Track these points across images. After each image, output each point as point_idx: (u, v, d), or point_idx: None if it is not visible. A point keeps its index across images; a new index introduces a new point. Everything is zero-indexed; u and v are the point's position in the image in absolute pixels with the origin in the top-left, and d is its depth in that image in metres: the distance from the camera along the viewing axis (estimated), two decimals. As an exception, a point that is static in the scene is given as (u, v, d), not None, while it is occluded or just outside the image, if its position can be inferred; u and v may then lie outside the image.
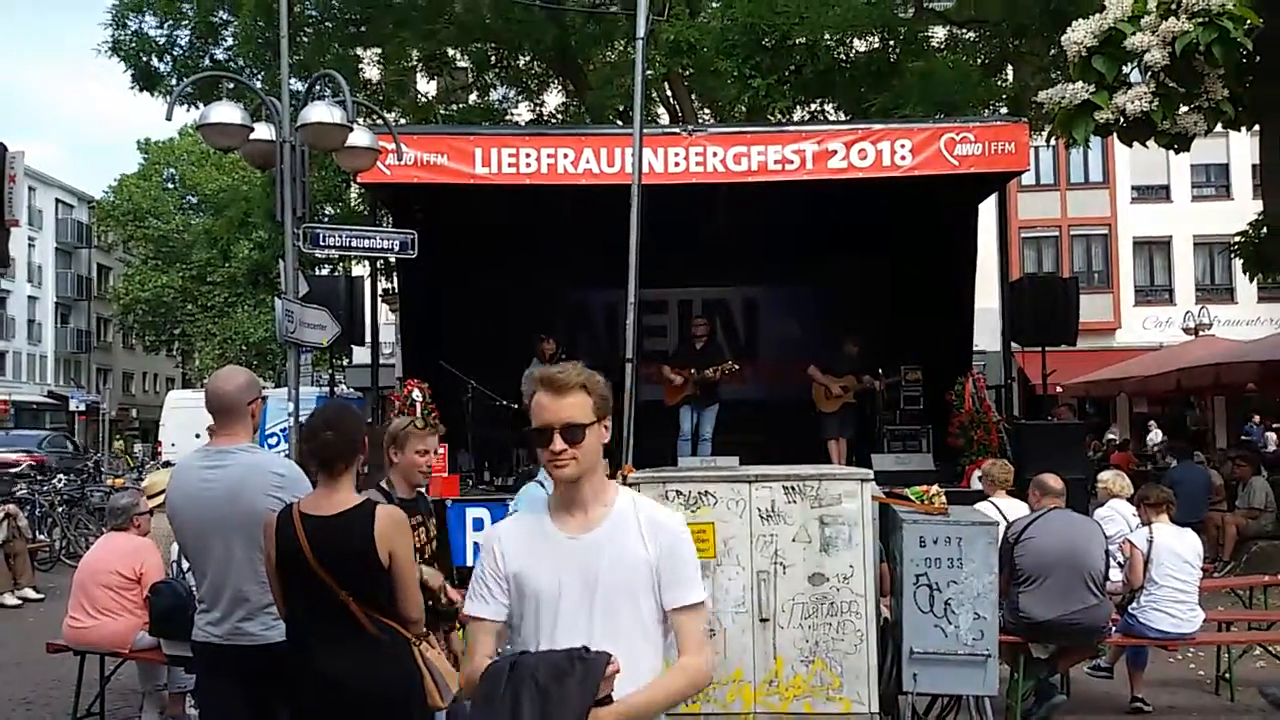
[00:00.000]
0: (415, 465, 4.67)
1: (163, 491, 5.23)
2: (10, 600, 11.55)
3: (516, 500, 6.19)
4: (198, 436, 4.16)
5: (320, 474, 3.54)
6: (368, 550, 3.38)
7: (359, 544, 3.39)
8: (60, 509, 14.77)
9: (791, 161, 10.79)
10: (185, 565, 5.89)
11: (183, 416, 22.44)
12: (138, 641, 6.47)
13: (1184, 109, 7.61)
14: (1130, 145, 8.16)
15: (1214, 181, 31.52)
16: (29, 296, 51.42)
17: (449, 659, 4.08)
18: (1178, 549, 6.96)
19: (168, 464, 16.63)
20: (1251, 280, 15.55)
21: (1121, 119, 7.59)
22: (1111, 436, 23.71)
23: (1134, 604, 6.97)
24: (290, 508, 3.53)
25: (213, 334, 44.96)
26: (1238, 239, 12.67)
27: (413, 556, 3.52)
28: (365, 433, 3.66)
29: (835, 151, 10.80)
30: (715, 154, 10.80)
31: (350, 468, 3.53)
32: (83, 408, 43.64)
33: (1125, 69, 7.74)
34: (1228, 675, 7.30)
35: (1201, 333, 22.87)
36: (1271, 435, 21.66)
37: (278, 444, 12.58)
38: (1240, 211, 16.98)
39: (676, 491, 5.46)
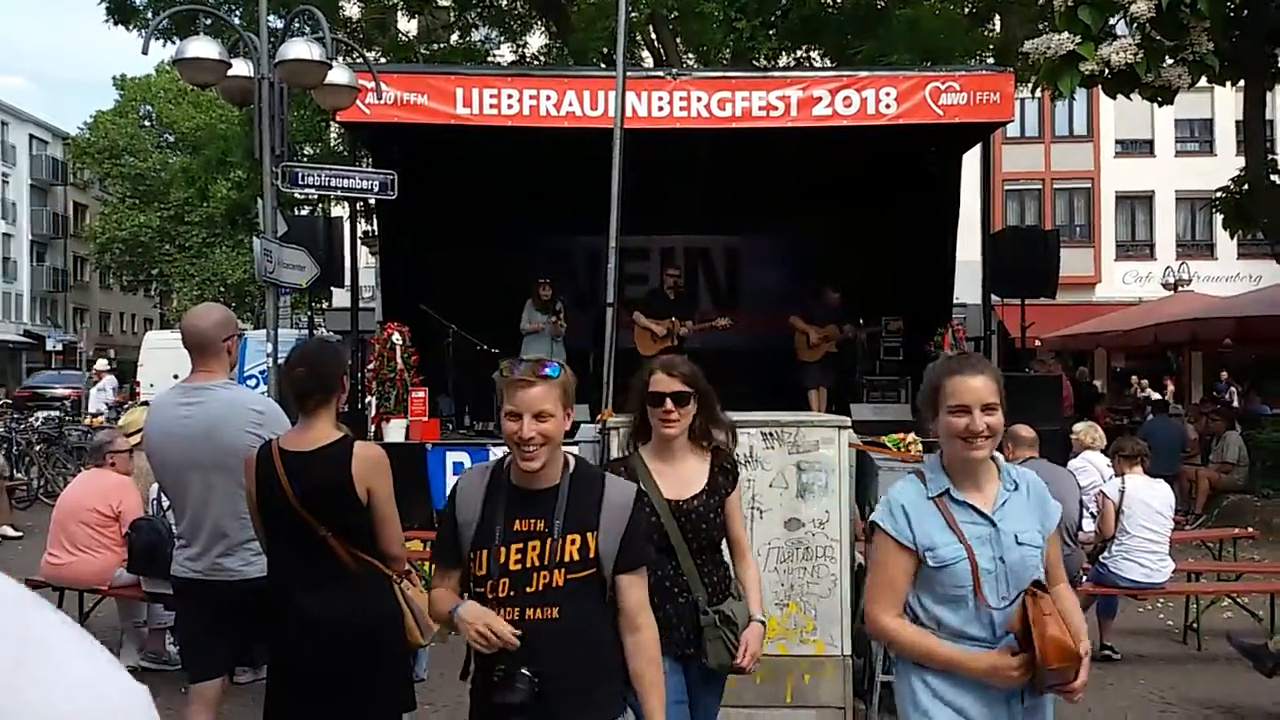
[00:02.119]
0: None
1: (141, 429, 5.22)
2: (-12, 538, 11.55)
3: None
4: (176, 377, 4.16)
5: (297, 410, 3.54)
6: (345, 486, 3.39)
7: (337, 479, 3.39)
8: (38, 447, 14.72)
9: (776, 108, 10.74)
10: (165, 503, 5.90)
11: (161, 357, 22.25)
12: (117, 578, 6.49)
13: (1169, 62, 7.61)
14: (1114, 97, 8.16)
15: (1198, 137, 31.54)
16: (3, 234, 50.83)
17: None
18: (1150, 500, 7.04)
19: (145, 403, 16.59)
20: (1232, 237, 15.60)
21: (1106, 70, 7.59)
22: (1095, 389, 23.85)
23: (1105, 553, 7.06)
24: (270, 444, 3.52)
25: (191, 275, 44.55)
26: (1219, 195, 12.70)
27: (391, 492, 3.52)
28: (343, 369, 3.64)
29: (820, 98, 10.75)
30: (699, 99, 10.73)
31: (326, 404, 3.52)
32: (60, 347, 43.39)
33: (1111, 20, 7.72)
34: (1195, 625, 7.43)
35: (1181, 288, 22.99)
36: (1234, 390, 21.93)
37: (257, 385, 12.53)
38: (1223, 168, 16.97)
39: (655, 436, 5.48)
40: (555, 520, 2.73)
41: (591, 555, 2.74)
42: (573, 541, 2.73)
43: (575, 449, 6.49)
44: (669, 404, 3.42)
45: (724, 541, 3.58)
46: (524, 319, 12.39)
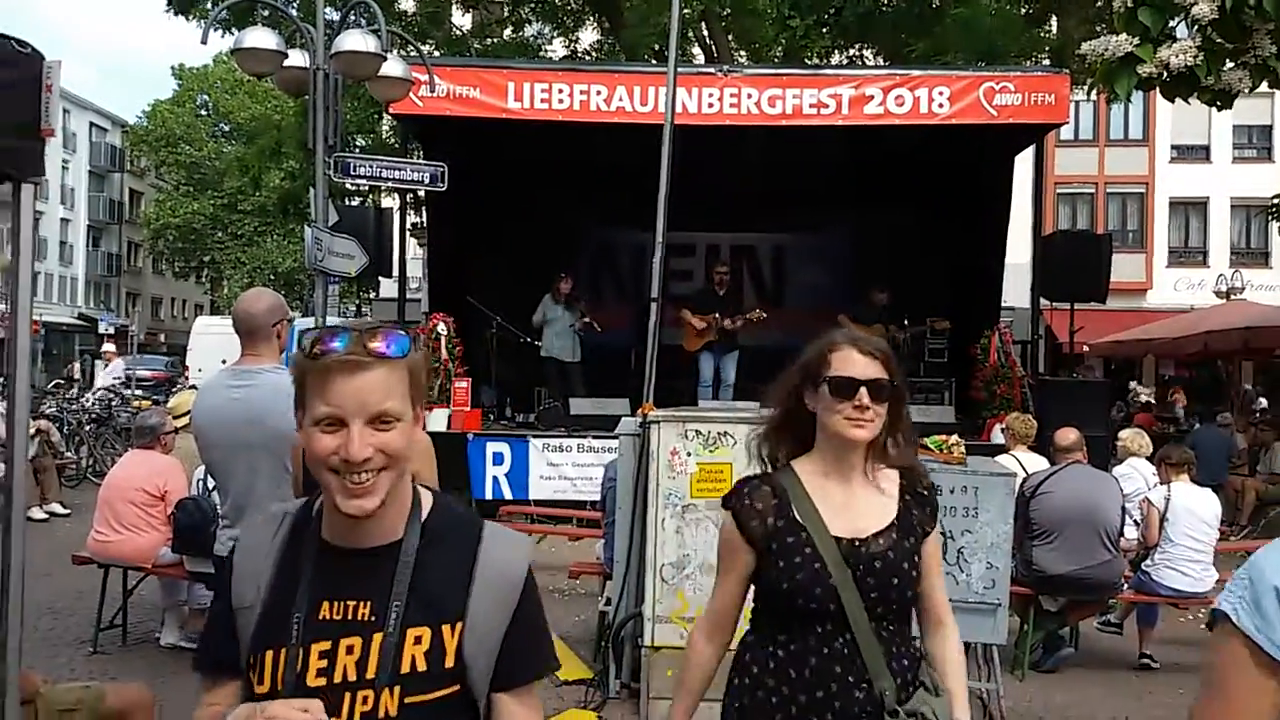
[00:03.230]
0: None
1: (189, 412, 5.31)
2: (38, 514, 11.77)
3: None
4: (224, 362, 4.27)
5: None
6: None
7: None
8: (88, 427, 14.99)
9: (827, 106, 10.71)
10: (210, 485, 6.00)
11: (210, 342, 22.73)
12: (160, 557, 6.61)
13: (1229, 65, 7.48)
14: (1172, 101, 8.02)
15: (1256, 143, 30.98)
16: (61, 219, 51.76)
17: None
18: (1195, 509, 6.95)
19: (193, 387, 16.84)
20: (1288, 245, 15.36)
21: (1165, 73, 7.46)
22: (1146, 397, 23.53)
23: (1148, 561, 6.98)
24: (317, 427, 3.55)
25: (242, 262, 45.18)
26: (1275, 201, 12.48)
27: (435, 478, 3.55)
28: None
29: (872, 97, 10.70)
30: (750, 95, 10.72)
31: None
32: (111, 330, 44.09)
33: (1171, 22, 7.60)
34: (1238, 636, 7.31)
35: (1234, 296, 22.59)
36: (1263, 401, 21.71)
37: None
38: (1281, 174, 16.72)
39: (696, 431, 5.50)
40: (391, 603, 1.67)
41: (450, 663, 1.69)
42: (418, 639, 1.67)
43: (614, 442, 6.51)
44: (864, 395, 2.33)
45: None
46: (539, 312, 12.46)
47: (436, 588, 1.71)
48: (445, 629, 1.69)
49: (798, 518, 2.34)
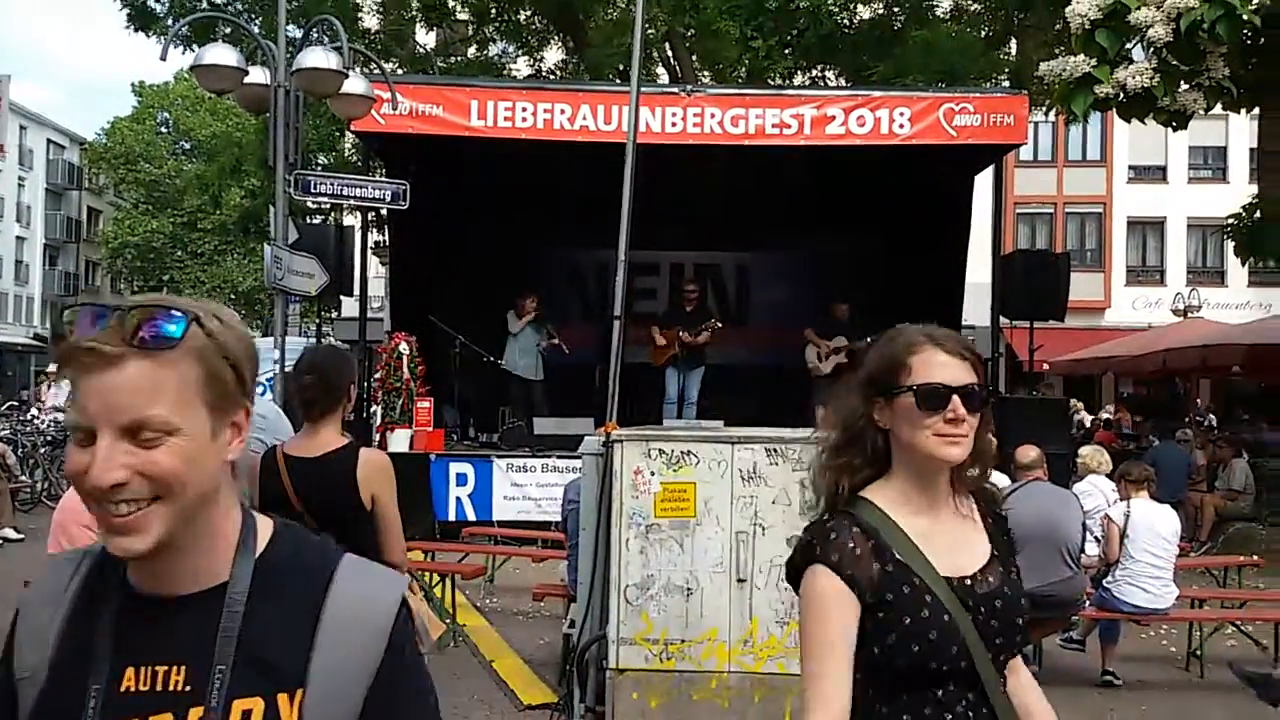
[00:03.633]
0: None
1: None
2: (-9, 539, 11.56)
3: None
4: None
5: (303, 416, 3.54)
6: (350, 491, 3.38)
7: (341, 485, 3.38)
8: (43, 450, 14.74)
9: (789, 126, 10.77)
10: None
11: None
12: (117, 581, 6.48)
13: (1184, 86, 7.61)
14: (1129, 121, 8.15)
15: (1211, 164, 31.51)
16: (17, 237, 51.06)
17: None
18: (1156, 525, 7.01)
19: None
20: (1244, 264, 15.56)
21: (1121, 94, 7.58)
22: (1107, 415, 23.84)
23: (1108, 578, 7.02)
24: (274, 449, 3.52)
25: (202, 282, 44.72)
26: (1231, 221, 12.67)
27: (395, 499, 3.51)
28: (350, 376, 3.64)
29: (834, 117, 10.78)
30: (713, 115, 10.77)
31: (332, 411, 3.51)
32: (68, 351, 43.48)
33: (1128, 44, 7.72)
34: (1199, 652, 7.37)
35: (1191, 315, 22.91)
36: (1213, 417, 22.18)
37: (264, 392, 12.54)
38: (1236, 195, 16.94)
39: (659, 450, 5.47)
40: (214, 667, 1.27)
41: None
42: (247, 714, 1.27)
43: (579, 462, 6.46)
44: (958, 406, 1.90)
45: None
46: (510, 322, 12.46)
47: (271, 645, 1.29)
48: (282, 699, 1.27)
49: (903, 560, 1.88)
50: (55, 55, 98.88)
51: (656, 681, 5.40)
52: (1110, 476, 8.57)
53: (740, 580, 5.38)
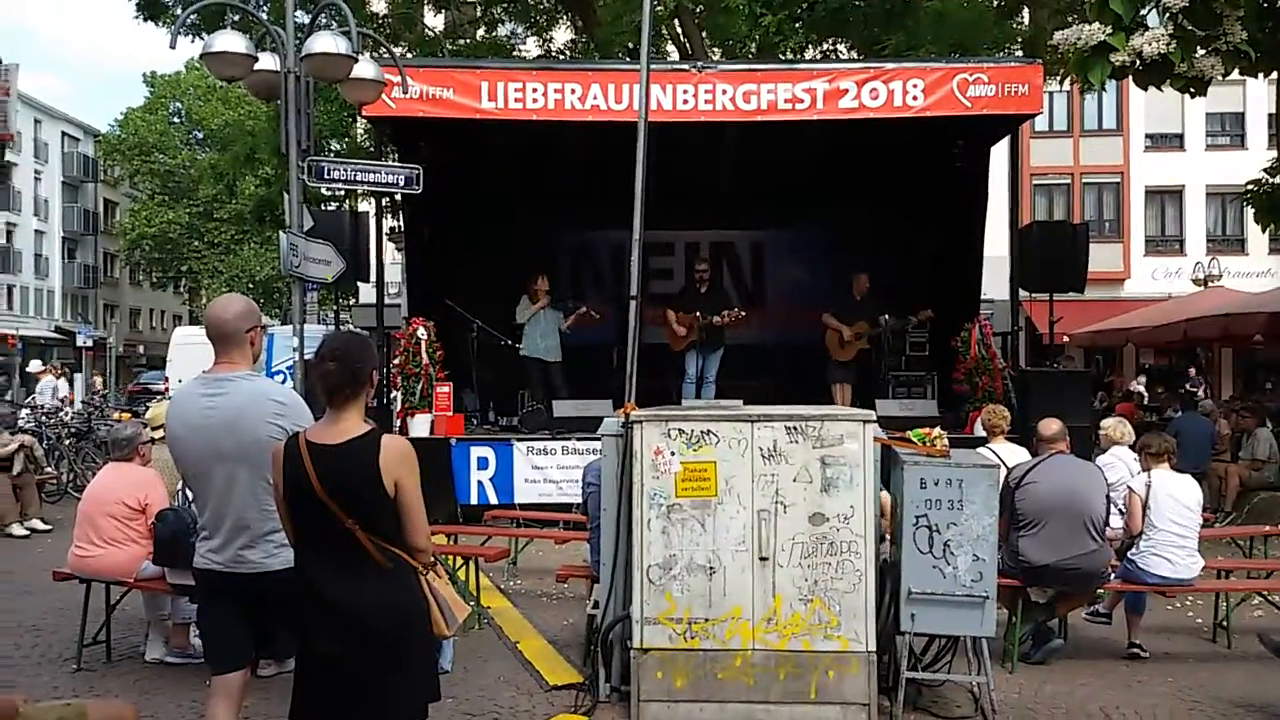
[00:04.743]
0: None
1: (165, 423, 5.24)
2: (18, 531, 11.65)
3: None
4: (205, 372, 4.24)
5: (326, 403, 3.54)
6: (374, 479, 3.38)
7: (365, 472, 3.38)
8: (68, 442, 14.84)
9: (802, 100, 10.69)
10: (190, 495, 5.92)
11: (189, 353, 22.46)
12: (142, 571, 6.52)
13: (1202, 51, 7.49)
14: (1146, 89, 8.03)
15: (1229, 130, 31.17)
16: (35, 230, 51.30)
17: None
18: (1178, 494, 6.95)
19: (164, 398, 16.71)
20: (1264, 230, 15.37)
21: (1138, 61, 7.47)
22: (1138, 389, 23.81)
23: (1133, 549, 6.98)
24: (297, 436, 3.52)
25: (219, 271, 44.91)
26: (1250, 187, 12.53)
27: (419, 485, 3.51)
28: (373, 363, 3.63)
29: (846, 90, 10.70)
30: (725, 92, 10.69)
31: (355, 397, 3.51)
32: (90, 343, 43.77)
33: (1143, 10, 7.61)
34: (1225, 623, 7.33)
35: (1211, 284, 22.72)
36: (1207, 387, 22.34)
37: (285, 380, 12.60)
38: (1255, 161, 16.75)
39: (679, 430, 5.47)
40: None
41: None
42: None
43: (599, 444, 6.45)
44: None
45: None
46: (519, 312, 12.42)
47: None
48: None
49: None
50: (65, 46, 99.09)
51: (681, 660, 5.41)
52: (1133, 448, 8.51)
53: (763, 558, 5.38)
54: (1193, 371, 24.68)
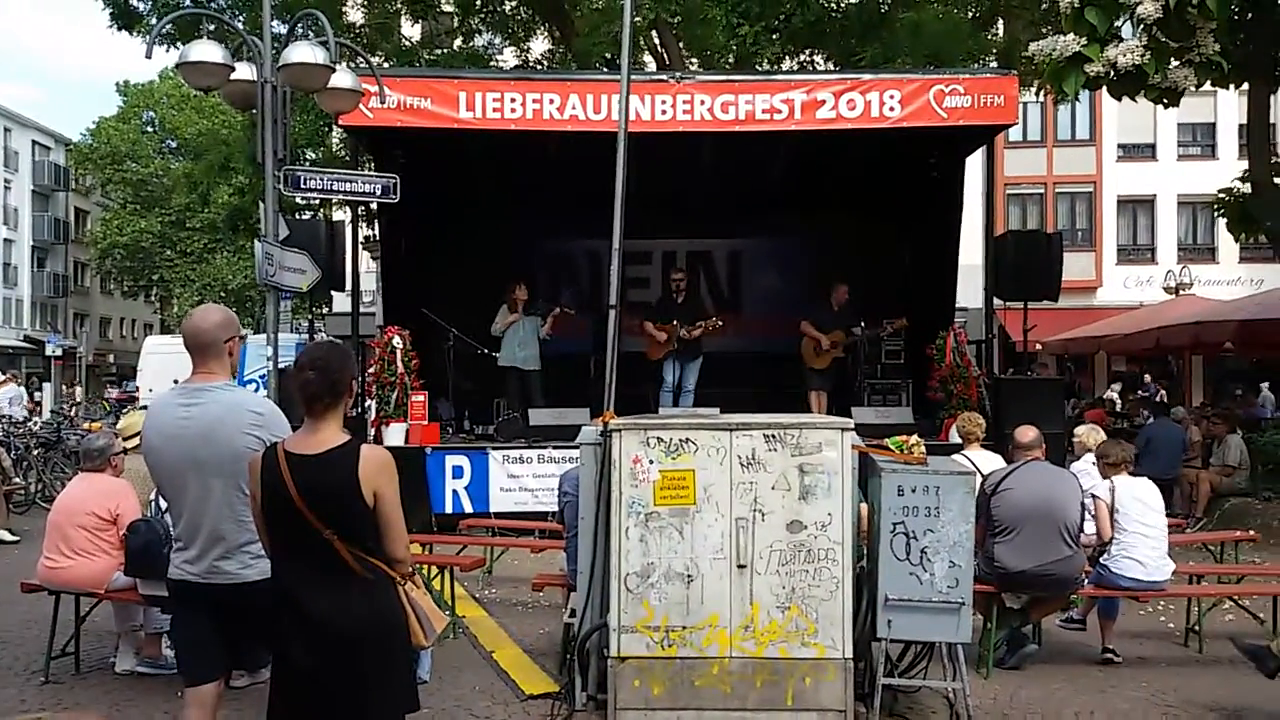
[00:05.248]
0: None
1: (139, 433, 5.20)
2: (-13, 541, 11.52)
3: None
4: (175, 382, 4.20)
5: (304, 412, 3.52)
6: (352, 489, 3.36)
7: (344, 483, 3.36)
8: (36, 452, 14.68)
9: (780, 111, 10.74)
10: (163, 505, 5.87)
11: (160, 362, 22.32)
12: (113, 582, 6.45)
13: (1175, 63, 7.59)
14: (1120, 99, 8.14)
15: (1200, 141, 31.50)
16: (4, 239, 50.82)
17: None
18: (1141, 497, 7.05)
19: (144, 408, 16.55)
20: (1236, 239, 15.54)
21: (1112, 72, 7.57)
22: (1112, 395, 24.09)
23: (1104, 554, 7.04)
24: (275, 447, 3.50)
25: (191, 280, 44.59)
26: (1221, 196, 12.67)
27: (398, 496, 3.49)
28: (352, 371, 3.61)
29: (824, 101, 10.75)
30: (703, 102, 10.73)
31: (334, 407, 3.49)
32: (59, 352, 43.32)
33: (1117, 21, 7.71)
34: (1197, 628, 7.39)
35: (1182, 292, 22.96)
36: (1163, 394, 22.69)
37: (257, 389, 12.51)
38: (1225, 171, 16.94)
39: (658, 439, 5.47)
40: None
41: None
42: None
43: (575, 452, 6.44)
44: None
45: None
46: (497, 321, 12.40)
47: None
48: None
49: None
50: (36, 55, 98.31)
51: (658, 669, 5.41)
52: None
53: (741, 566, 5.38)
54: (1148, 378, 25.11)
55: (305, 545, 3.40)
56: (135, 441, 6.31)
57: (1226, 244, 28.29)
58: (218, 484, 3.86)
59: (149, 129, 50.65)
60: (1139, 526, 6.94)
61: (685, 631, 5.39)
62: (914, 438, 5.92)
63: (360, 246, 15.15)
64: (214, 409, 3.88)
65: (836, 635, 5.36)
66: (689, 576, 5.41)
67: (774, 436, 5.43)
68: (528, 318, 12.37)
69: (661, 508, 5.43)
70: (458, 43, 19.80)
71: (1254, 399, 20.78)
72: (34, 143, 53.23)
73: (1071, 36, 7.56)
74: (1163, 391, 23.36)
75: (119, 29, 18.06)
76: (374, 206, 15.28)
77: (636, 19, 13.90)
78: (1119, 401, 22.92)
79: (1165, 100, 8.00)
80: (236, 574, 3.89)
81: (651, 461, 5.44)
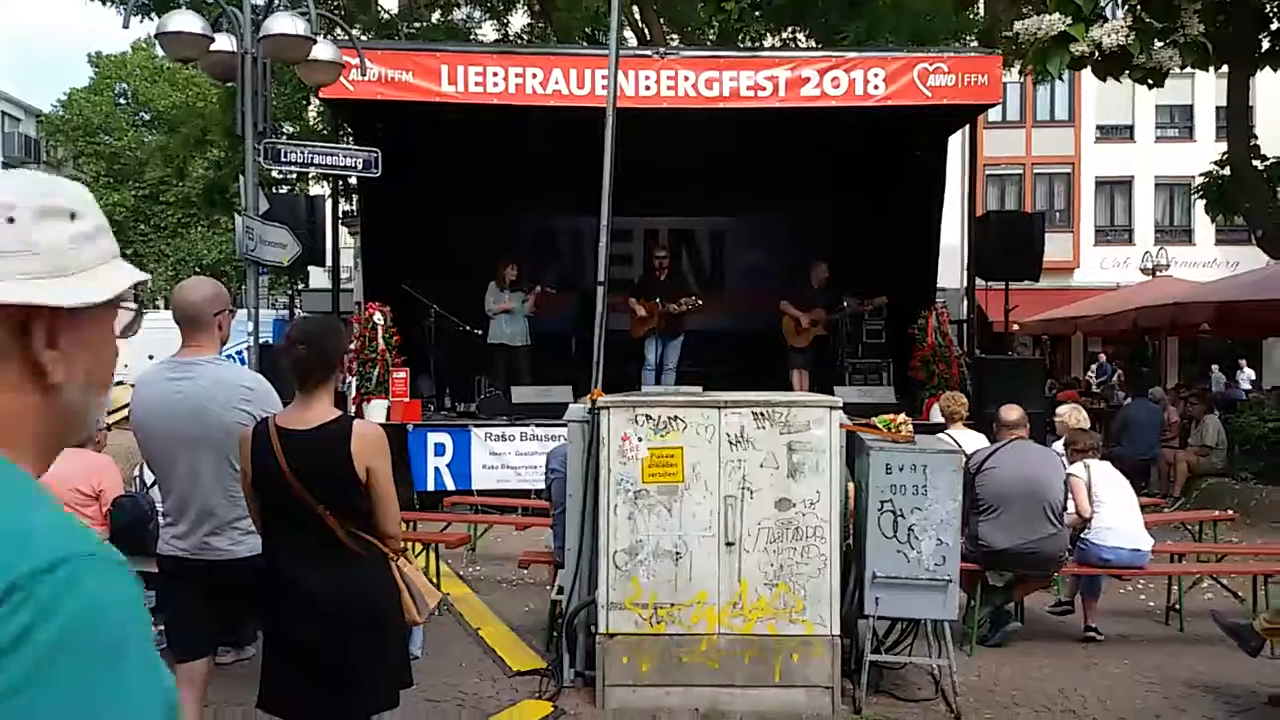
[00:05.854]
0: None
1: (122, 407, 5.13)
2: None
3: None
4: (151, 358, 4.14)
5: (297, 388, 3.49)
6: (345, 465, 3.34)
7: (336, 458, 3.34)
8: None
9: (764, 88, 10.70)
10: (149, 480, 5.82)
11: (136, 338, 22.12)
12: (97, 558, 6.39)
13: (1160, 44, 7.61)
14: (1104, 79, 8.14)
15: (1178, 123, 31.63)
16: (-25, 212, 50.10)
17: None
18: (1109, 476, 7.21)
19: (119, 383, 16.39)
20: (1213, 221, 15.64)
21: (1097, 52, 7.57)
22: (1089, 377, 24.35)
23: (1086, 531, 7.10)
24: (266, 422, 3.47)
25: (166, 255, 44.15)
26: (1201, 179, 12.75)
27: (390, 471, 3.47)
28: (344, 347, 3.59)
29: (808, 79, 10.72)
30: (687, 78, 10.67)
31: (327, 383, 3.47)
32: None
33: (1102, 2, 7.71)
34: (1178, 606, 7.47)
35: (1159, 274, 23.10)
36: (1120, 373, 22.98)
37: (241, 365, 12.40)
38: (1203, 153, 17.04)
39: (646, 416, 5.46)
40: None
41: None
42: None
43: (558, 430, 6.44)
44: None
45: None
46: (489, 300, 12.35)
47: None
48: None
49: None
50: (3, 25, 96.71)
51: (647, 645, 5.42)
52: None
53: (729, 543, 5.39)
54: (1103, 357, 25.52)
55: (297, 521, 3.38)
56: (118, 416, 6.24)
57: (1203, 226, 28.46)
58: (207, 459, 3.82)
59: (121, 101, 50.02)
60: (1113, 498, 7.08)
61: (673, 608, 5.40)
62: (902, 416, 5.94)
63: (339, 221, 15.03)
64: (204, 383, 3.84)
65: (824, 612, 5.39)
66: (677, 554, 5.41)
67: (763, 414, 5.43)
68: (514, 294, 12.34)
69: (650, 485, 5.43)
70: (436, 16, 19.63)
71: (1232, 382, 21.02)
72: (3, 114, 52.43)
73: (1057, 16, 7.56)
74: (1119, 371, 23.63)
75: (92, -1, 17.78)
76: (353, 181, 15.15)
77: (620, -6, 13.80)
78: (1092, 382, 23.14)
79: (1150, 81, 8.02)
80: (227, 550, 3.86)
81: (640, 439, 5.44)
